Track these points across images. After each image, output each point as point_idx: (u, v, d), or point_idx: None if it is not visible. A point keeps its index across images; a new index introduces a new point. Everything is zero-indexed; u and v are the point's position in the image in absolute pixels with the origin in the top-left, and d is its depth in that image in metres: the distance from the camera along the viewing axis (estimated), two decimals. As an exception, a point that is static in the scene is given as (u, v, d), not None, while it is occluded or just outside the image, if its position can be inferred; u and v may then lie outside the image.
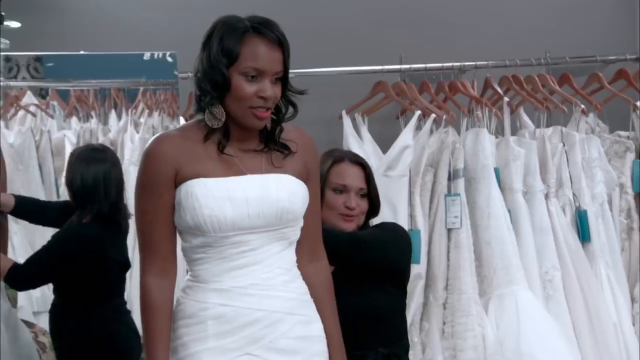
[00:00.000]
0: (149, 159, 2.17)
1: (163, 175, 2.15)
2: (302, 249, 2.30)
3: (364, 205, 2.63)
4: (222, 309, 2.16)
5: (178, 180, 2.16)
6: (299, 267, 2.30)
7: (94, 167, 3.31)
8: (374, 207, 2.73)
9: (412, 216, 3.97)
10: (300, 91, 2.23)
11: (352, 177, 2.65)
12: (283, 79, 2.19)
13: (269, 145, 2.22)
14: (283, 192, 2.19)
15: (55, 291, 3.41)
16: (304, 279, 2.30)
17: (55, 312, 3.41)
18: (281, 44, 2.15)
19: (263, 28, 2.14)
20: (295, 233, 2.25)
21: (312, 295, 2.29)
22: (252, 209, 2.15)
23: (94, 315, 3.31)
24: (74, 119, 4.37)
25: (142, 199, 2.17)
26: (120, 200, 3.37)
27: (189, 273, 2.24)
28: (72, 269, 3.26)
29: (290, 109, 2.23)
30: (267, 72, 2.14)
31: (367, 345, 2.53)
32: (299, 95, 2.23)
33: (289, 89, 2.20)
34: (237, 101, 2.14)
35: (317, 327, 2.27)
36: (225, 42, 2.12)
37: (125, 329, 3.32)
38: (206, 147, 2.18)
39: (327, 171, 2.66)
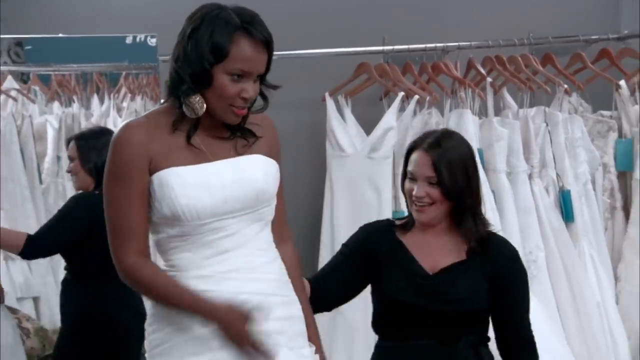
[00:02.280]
0: (120, 147, 2.12)
1: (135, 163, 2.11)
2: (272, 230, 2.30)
3: (434, 194, 2.45)
4: (209, 295, 2.12)
5: (151, 170, 2.12)
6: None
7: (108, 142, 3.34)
8: (454, 197, 2.47)
9: (396, 198, 3.99)
10: (273, 86, 2.19)
11: (419, 165, 2.48)
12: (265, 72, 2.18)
13: (235, 132, 2.21)
14: (257, 172, 2.18)
15: (66, 266, 3.44)
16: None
17: (64, 287, 3.46)
18: (267, 45, 2.11)
19: (253, 28, 2.09)
20: (270, 212, 2.24)
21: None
22: (229, 193, 2.14)
23: (97, 291, 3.33)
24: (55, 104, 4.36)
25: (115, 187, 2.12)
26: None
27: (165, 264, 2.19)
28: (84, 234, 3.30)
29: (261, 101, 2.21)
30: (252, 73, 2.11)
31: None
32: (276, 82, 2.21)
33: (264, 83, 2.19)
34: (218, 98, 2.11)
35: (296, 308, 2.27)
36: (215, 38, 2.06)
37: (125, 310, 3.33)
38: (174, 135, 2.14)
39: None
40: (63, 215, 3.34)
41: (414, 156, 2.47)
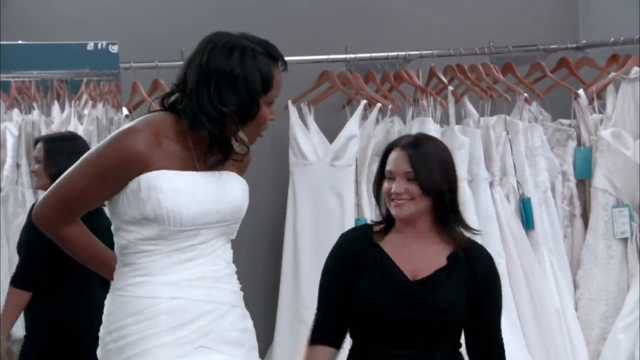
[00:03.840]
0: (118, 148, 2.14)
1: (125, 169, 2.13)
2: None
3: (413, 189, 2.46)
4: (174, 302, 2.15)
5: (139, 172, 2.14)
6: None
7: (76, 151, 3.31)
8: (433, 193, 2.48)
9: (358, 206, 4.02)
10: None
11: (397, 162, 2.54)
12: None
13: (213, 147, 2.21)
14: (236, 190, 2.24)
15: (37, 281, 3.37)
16: None
17: (31, 300, 3.37)
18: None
19: (279, 57, 2.20)
20: (236, 229, 2.30)
21: None
22: (211, 206, 2.18)
23: (59, 299, 3.31)
24: (15, 111, 4.29)
25: (92, 171, 2.15)
26: None
27: (128, 269, 2.19)
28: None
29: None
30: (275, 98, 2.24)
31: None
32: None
33: None
34: (257, 127, 2.20)
35: (250, 322, 2.30)
36: (264, 71, 2.14)
37: (90, 317, 3.30)
38: (174, 144, 2.18)
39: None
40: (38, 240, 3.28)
41: (392, 155, 2.50)
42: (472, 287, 2.47)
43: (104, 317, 2.21)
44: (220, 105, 2.13)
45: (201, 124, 2.14)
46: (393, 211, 2.48)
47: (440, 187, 2.47)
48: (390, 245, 2.49)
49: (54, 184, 2.21)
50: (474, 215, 3.94)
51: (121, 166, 2.13)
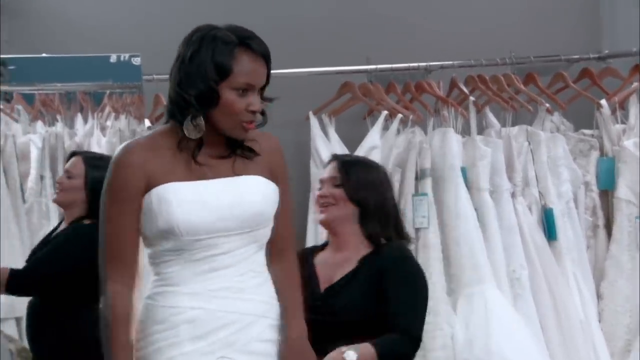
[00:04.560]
0: (119, 169, 2.19)
1: (134, 186, 2.17)
2: (271, 249, 2.33)
3: (338, 194, 2.59)
4: (195, 312, 2.18)
5: (148, 188, 2.18)
6: (268, 262, 2.33)
7: None
8: (358, 199, 2.65)
9: (379, 216, 3.99)
10: (270, 99, 2.25)
11: (327, 170, 2.66)
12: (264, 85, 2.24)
13: (234, 150, 2.24)
14: (255, 194, 2.22)
15: (41, 299, 3.36)
16: (272, 272, 2.32)
17: (36, 313, 3.38)
18: (266, 58, 2.20)
19: (251, 42, 2.17)
20: (265, 235, 2.28)
21: (279, 296, 2.31)
22: (225, 212, 2.18)
23: (81, 316, 3.25)
24: (39, 123, 4.33)
25: (111, 207, 2.19)
26: None
27: (156, 278, 2.24)
28: (75, 269, 3.23)
29: (259, 116, 2.25)
30: (256, 86, 2.19)
31: None
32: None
33: (262, 97, 2.24)
34: (227, 116, 2.17)
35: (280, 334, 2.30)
36: (217, 57, 2.14)
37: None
38: (176, 155, 2.20)
39: None
40: (59, 248, 3.28)
41: (327, 167, 2.58)
42: (378, 277, 2.57)
43: (136, 324, 2.24)
44: (181, 91, 2.15)
45: (172, 114, 2.18)
46: (318, 217, 2.56)
47: (365, 195, 2.60)
48: (320, 259, 2.61)
49: (99, 246, 2.21)
50: (495, 226, 3.94)
51: (129, 185, 2.16)
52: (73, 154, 3.54)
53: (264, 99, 2.23)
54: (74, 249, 3.27)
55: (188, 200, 2.15)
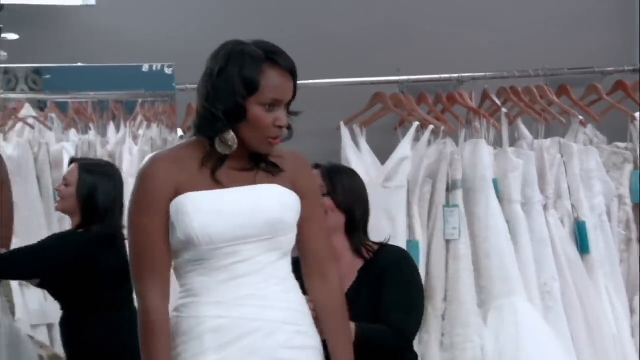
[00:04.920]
0: (147, 181, 2.20)
1: (161, 196, 2.18)
2: (308, 267, 2.34)
3: (326, 203, 2.60)
4: (219, 321, 2.18)
5: (170, 198, 2.19)
6: (307, 286, 2.33)
7: (111, 185, 3.40)
8: (345, 208, 2.67)
9: (410, 227, 3.98)
10: (295, 113, 2.26)
11: None
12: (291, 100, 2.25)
13: (258, 164, 2.25)
14: (273, 200, 2.23)
15: (61, 305, 3.45)
16: (312, 298, 2.32)
17: (64, 325, 3.46)
18: (293, 73, 2.21)
19: (278, 58, 2.18)
20: (289, 242, 2.28)
21: (320, 315, 2.31)
22: (243, 220, 2.19)
23: (100, 325, 3.35)
24: (72, 131, 4.38)
25: (140, 219, 2.20)
26: (123, 214, 3.44)
27: (181, 290, 2.25)
28: (59, 273, 3.32)
29: (285, 130, 2.26)
30: (283, 101, 2.20)
31: None
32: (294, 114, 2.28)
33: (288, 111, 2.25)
34: (255, 131, 2.18)
35: (314, 340, 2.28)
36: (245, 72, 2.15)
37: (132, 341, 3.35)
38: (200, 168, 2.22)
39: None
40: (45, 246, 3.35)
41: None
42: (377, 284, 2.58)
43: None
44: (209, 105, 2.16)
45: (199, 128, 2.20)
46: None
47: (352, 202, 2.62)
48: None
49: (130, 256, 2.23)
50: (527, 239, 3.91)
51: (156, 196, 2.17)
52: (72, 161, 3.58)
53: (290, 113, 2.24)
54: (56, 249, 3.33)
55: (205, 210, 2.16)
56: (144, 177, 2.21)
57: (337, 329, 2.31)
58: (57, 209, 3.56)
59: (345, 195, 2.65)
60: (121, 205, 3.44)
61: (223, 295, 2.19)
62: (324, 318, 2.30)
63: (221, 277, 2.19)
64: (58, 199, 3.51)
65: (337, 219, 2.62)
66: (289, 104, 2.23)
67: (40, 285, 3.48)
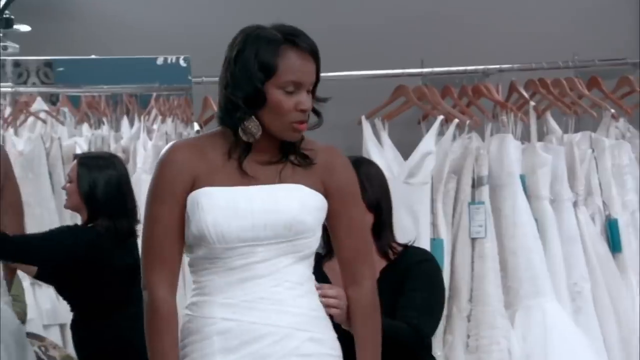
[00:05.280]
0: (165, 168, 2.17)
1: (180, 185, 2.15)
2: (340, 266, 2.29)
3: None
4: (227, 324, 2.14)
5: (192, 190, 2.16)
6: (345, 290, 2.27)
7: (114, 177, 3.40)
8: (375, 208, 2.64)
9: (434, 225, 3.95)
10: (323, 99, 2.21)
11: None
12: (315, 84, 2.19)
13: (287, 155, 2.21)
14: (293, 202, 2.17)
15: (70, 305, 3.46)
16: (348, 303, 2.27)
17: (74, 326, 3.48)
18: (314, 54, 2.15)
19: (297, 39, 2.14)
20: (308, 246, 2.21)
21: (352, 321, 2.26)
22: (258, 220, 2.14)
23: (109, 324, 3.36)
24: (85, 126, 4.40)
25: (156, 207, 2.17)
26: (135, 208, 3.44)
27: (194, 287, 2.22)
28: (62, 266, 3.33)
29: (314, 118, 2.21)
30: (304, 83, 2.14)
31: None
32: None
33: (314, 97, 2.19)
34: (276, 116, 2.13)
35: (330, 347, 2.22)
36: (262, 56, 2.11)
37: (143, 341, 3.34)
38: (223, 161, 2.18)
39: None
40: (50, 236, 3.37)
41: None
42: (399, 284, 2.57)
43: (179, 334, 2.22)
44: (228, 93, 2.14)
45: (222, 119, 2.17)
46: None
47: (381, 201, 2.61)
48: (332, 271, 2.50)
49: (141, 246, 2.21)
50: (556, 237, 3.90)
51: (175, 183, 2.14)
52: (74, 157, 3.59)
53: (316, 99, 2.19)
54: (63, 239, 3.34)
55: (219, 206, 2.12)
56: (161, 164, 2.18)
57: (365, 334, 2.26)
58: (65, 207, 3.57)
59: (374, 192, 2.62)
60: (131, 199, 3.44)
61: (234, 297, 2.15)
62: (352, 320, 2.27)
63: (234, 277, 2.15)
64: (66, 196, 3.52)
65: (367, 220, 2.59)
66: (314, 88, 2.18)
67: (39, 277, 3.48)
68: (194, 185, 2.15)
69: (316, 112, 2.20)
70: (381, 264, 2.64)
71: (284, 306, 2.16)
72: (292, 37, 2.13)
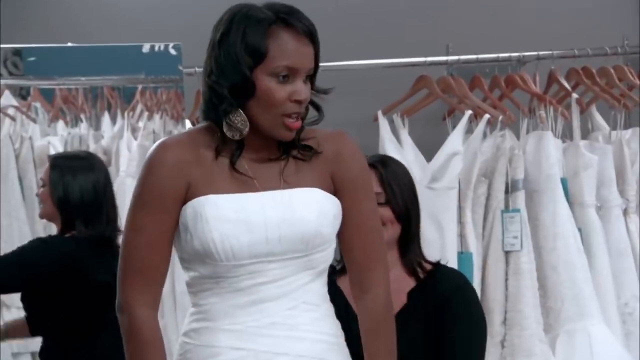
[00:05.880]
0: (155, 168, 2.14)
1: (171, 188, 2.12)
2: (350, 278, 2.28)
3: (385, 213, 2.54)
4: (237, 354, 2.13)
5: (187, 197, 2.14)
6: (354, 300, 2.28)
7: (91, 179, 3.39)
8: (404, 219, 2.62)
9: (462, 236, 3.95)
10: (323, 90, 2.18)
11: None
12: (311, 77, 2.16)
13: (288, 152, 2.18)
14: (311, 210, 2.15)
15: (39, 329, 3.45)
16: (357, 314, 2.26)
17: (44, 354, 3.47)
18: (312, 36, 2.12)
19: (291, 18, 2.10)
20: (325, 260, 2.20)
21: (362, 335, 2.26)
22: (272, 233, 2.12)
23: (84, 351, 3.37)
24: (60, 124, 4.39)
25: (141, 215, 2.14)
26: (116, 217, 3.44)
27: (193, 311, 2.20)
28: (40, 284, 3.33)
29: (312, 113, 2.19)
30: (300, 70, 2.11)
31: None
32: (323, 96, 2.19)
33: (313, 88, 2.17)
34: (266, 108, 2.10)
35: None
36: (249, 37, 2.08)
37: None
38: (216, 160, 2.16)
39: None
40: (21, 253, 3.37)
41: None
42: (433, 313, 2.56)
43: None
44: (212, 82, 2.10)
45: (206, 113, 2.14)
46: None
47: (410, 212, 2.60)
48: (347, 285, 2.46)
49: (119, 257, 2.18)
50: (603, 249, 3.91)
51: (165, 187, 2.12)
52: (48, 158, 3.58)
53: (316, 90, 2.16)
54: (29, 256, 3.35)
55: (227, 218, 2.10)
56: (150, 165, 2.15)
57: (376, 350, 2.25)
58: (40, 216, 3.57)
59: (403, 199, 2.60)
60: (112, 206, 3.44)
61: (243, 322, 2.14)
62: (361, 334, 2.26)
63: (242, 300, 2.14)
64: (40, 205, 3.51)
65: (394, 231, 2.58)
66: (312, 77, 2.15)
67: (22, 300, 3.46)
68: (188, 191, 2.13)
69: (315, 106, 2.18)
70: (409, 283, 2.63)
71: (301, 332, 2.16)
72: (285, 16, 2.10)
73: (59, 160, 3.46)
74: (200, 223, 2.10)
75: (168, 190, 2.12)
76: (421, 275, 2.62)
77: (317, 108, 2.18)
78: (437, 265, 2.66)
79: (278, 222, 2.12)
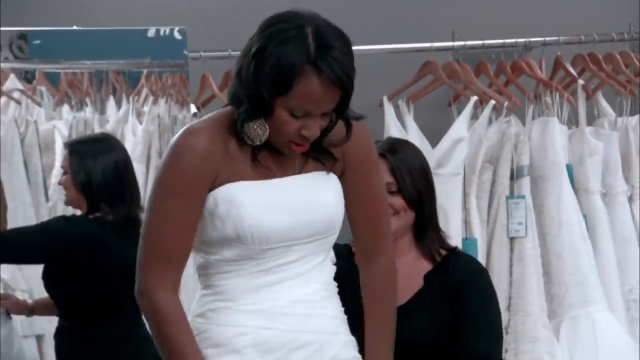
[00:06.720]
0: (185, 155, 2.14)
1: (203, 175, 2.14)
2: (357, 249, 2.34)
3: (397, 202, 2.57)
4: (264, 333, 2.16)
5: (215, 184, 2.15)
6: (359, 268, 2.33)
7: (112, 160, 3.42)
8: (417, 205, 2.64)
9: (466, 222, 3.96)
10: (357, 117, 2.20)
11: None
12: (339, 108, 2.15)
13: (307, 153, 2.20)
14: (331, 195, 2.22)
15: (59, 311, 3.49)
16: (361, 281, 2.32)
17: (60, 335, 3.50)
18: (341, 83, 2.09)
19: (324, 64, 2.06)
20: (333, 241, 2.27)
21: (363, 299, 2.32)
22: (301, 216, 2.18)
23: (98, 336, 3.39)
24: (65, 107, 4.39)
25: (167, 202, 2.14)
26: (139, 196, 3.49)
27: (207, 292, 2.22)
28: (58, 262, 3.36)
29: (341, 130, 2.19)
30: (316, 113, 2.12)
31: None
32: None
33: (345, 117, 2.17)
34: (276, 131, 2.13)
35: (355, 348, 2.29)
36: (279, 69, 2.07)
37: (134, 352, 3.35)
38: (239, 147, 2.18)
39: None
40: (44, 229, 3.41)
41: None
42: (450, 297, 2.56)
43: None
44: (238, 83, 2.12)
45: (231, 99, 2.15)
46: None
47: (423, 198, 2.59)
48: None
49: (140, 243, 2.19)
50: (608, 236, 3.92)
51: (195, 175, 2.13)
52: (65, 146, 3.59)
53: (346, 119, 2.16)
54: (55, 233, 3.36)
55: (260, 203, 2.14)
56: (179, 152, 2.14)
57: (373, 317, 2.31)
58: (65, 204, 3.57)
59: (414, 184, 2.60)
60: (134, 184, 3.48)
61: (265, 302, 2.18)
62: (364, 299, 2.32)
63: (263, 280, 2.18)
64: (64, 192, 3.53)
65: (408, 218, 2.60)
66: (343, 110, 2.15)
67: (43, 277, 3.49)
68: (216, 179, 2.15)
69: (347, 124, 2.18)
70: (424, 266, 2.64)
71: (317, 309, 2.21)
72: (320, 61, 2.06)
73: (77, 146, 3.46)
74: (234, 209, 2.13)
75: (199, 177, 2.13)
76: (438, 259, 2.64)
77: (348, 126, 2.19)
78: (451, 249, 2.68)
79: (307, 206, 2.18)
